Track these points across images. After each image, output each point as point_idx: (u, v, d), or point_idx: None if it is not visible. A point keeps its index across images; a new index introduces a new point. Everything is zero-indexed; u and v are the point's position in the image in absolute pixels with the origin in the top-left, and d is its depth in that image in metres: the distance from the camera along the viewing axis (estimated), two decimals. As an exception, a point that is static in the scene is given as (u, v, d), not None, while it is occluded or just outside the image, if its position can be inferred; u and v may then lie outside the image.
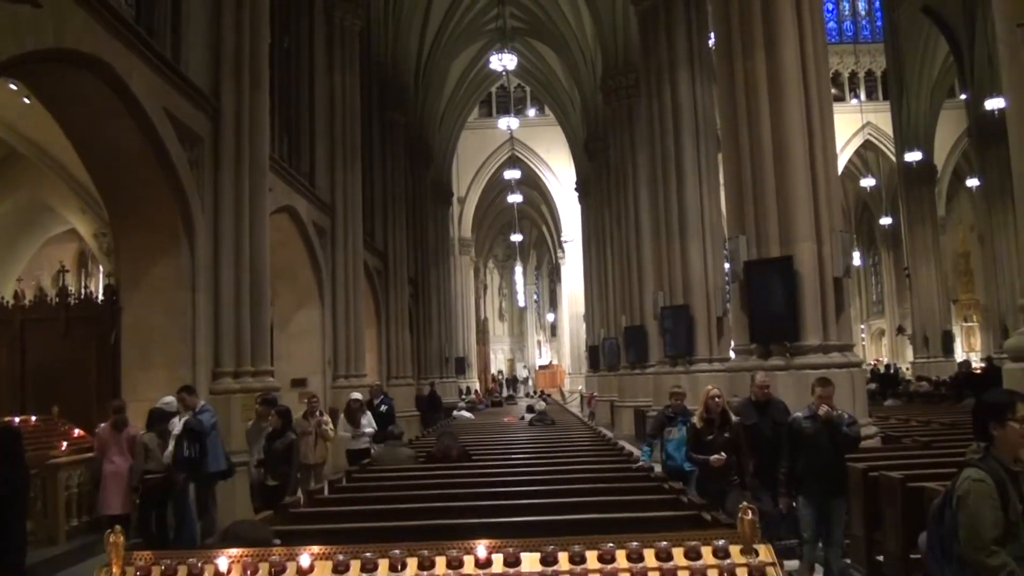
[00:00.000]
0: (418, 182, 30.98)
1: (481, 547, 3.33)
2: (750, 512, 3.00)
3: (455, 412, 21.97)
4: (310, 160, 17.68)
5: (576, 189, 36.59)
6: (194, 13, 11.57)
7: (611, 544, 3.56)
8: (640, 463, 8.48)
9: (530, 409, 20.36)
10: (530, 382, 54.40)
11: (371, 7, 23.02)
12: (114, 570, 3.07)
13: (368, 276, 21.50)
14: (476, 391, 38.61)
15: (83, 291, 14.08)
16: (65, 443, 10.95)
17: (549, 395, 37.71)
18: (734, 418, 7.74)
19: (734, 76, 10.36)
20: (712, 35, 16.88)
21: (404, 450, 9.43)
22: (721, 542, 3.14)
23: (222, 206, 11.51)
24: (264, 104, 12.68)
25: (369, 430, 12.55)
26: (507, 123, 36.04)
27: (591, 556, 3.59)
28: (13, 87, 13.87)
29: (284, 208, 15.11)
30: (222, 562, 3.07)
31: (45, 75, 9.06)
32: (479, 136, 42.43)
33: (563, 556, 3.56)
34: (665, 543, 3.24)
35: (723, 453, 7.41)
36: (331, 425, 11.10)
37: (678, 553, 3.19)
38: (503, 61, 24.61)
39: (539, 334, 62.13)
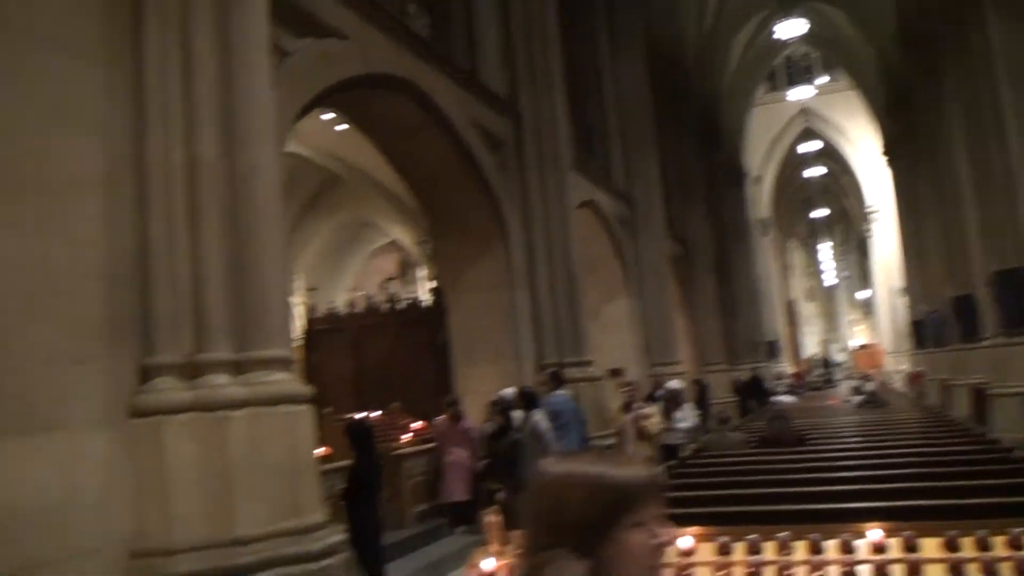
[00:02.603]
0: (710, 166, 30.24)
1: (875, 531, 2.99)
2: None
3: (773, 397, 21.11)
4: (605, 153, 17.79)
5: (883, 154, 33.88)
6: (485, 25, 12.01)
7: (1019, 529, 3.14)
8: None
9: (856, 391, 19.06)
10: (845, 364, 51.29)
11: (650, -1, 22.72)
12: (493, 549, 3.13)
13: (671, 264, 21.30)
14: (792, 374, 37.02)
15: (410, 297, 15.11)
16: (406, 435, 11.75)
17: (871, 376, 35.30)
18: None
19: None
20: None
21: (734, 435, 9.12)
22: None
23: (530, 205, 11.85)
24: (559, 103, 12.94)
25: (683, 424, 10.85)
26: (798, 94, 34.06)
27: (998, 542, 3.18)
28: (324, 118, 15.02)
29: (586, 203, 15.28)
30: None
31: (357, 101, 9.63)
32: (768, 111, 40.54)
33: (967, 542, 3.16)
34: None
35: None
36: (657, 418, 10.39)
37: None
38: (793, 26, 23.20)
39: (852, 313, 58.42)
